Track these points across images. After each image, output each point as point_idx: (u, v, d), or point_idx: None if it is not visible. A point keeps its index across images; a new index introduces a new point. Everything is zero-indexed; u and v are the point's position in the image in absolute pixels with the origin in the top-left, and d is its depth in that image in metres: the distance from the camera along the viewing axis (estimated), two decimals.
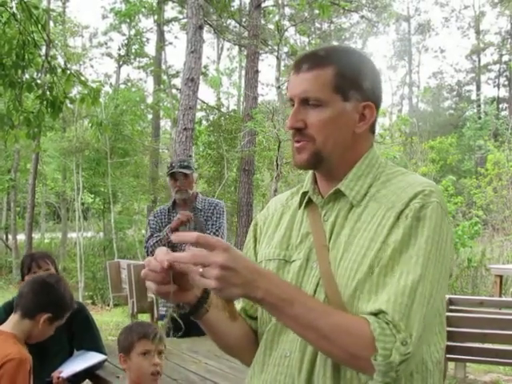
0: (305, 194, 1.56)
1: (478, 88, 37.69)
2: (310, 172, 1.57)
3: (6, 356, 2.46)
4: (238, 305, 1.70)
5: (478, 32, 37.42)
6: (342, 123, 1.45)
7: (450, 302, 5.12)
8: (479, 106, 34.32)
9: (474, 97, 37.60)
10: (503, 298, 9.48)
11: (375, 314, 1.28)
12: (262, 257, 1.58)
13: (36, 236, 23.74)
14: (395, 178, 1.47)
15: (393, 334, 1.25)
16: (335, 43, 31.48)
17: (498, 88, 37.80)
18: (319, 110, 1.45)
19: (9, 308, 3.25)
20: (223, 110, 22.22)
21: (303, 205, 1.56)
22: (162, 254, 1.33)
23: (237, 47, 25.97)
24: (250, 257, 1.68)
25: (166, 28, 26.15)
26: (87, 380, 3.64)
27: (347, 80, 1.45)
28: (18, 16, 5.80)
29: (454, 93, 39.60)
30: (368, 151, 1.52)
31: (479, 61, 37.90)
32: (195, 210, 4.84)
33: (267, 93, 31.43)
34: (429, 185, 1.41)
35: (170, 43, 34.30)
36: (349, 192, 1.46)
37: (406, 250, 1.33)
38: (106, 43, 26.73)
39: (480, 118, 29.63)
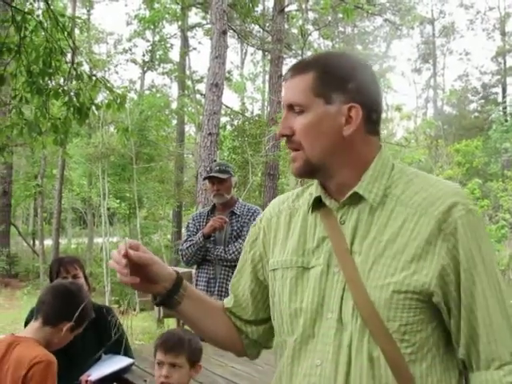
0: (316, 198, 1.52)
1: (504, 90, 37.19)
2: None
3: (34, 358, 2.47)
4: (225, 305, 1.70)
5: (503, 34, 36.92)
6: (325, 127, 1.43)
7: None
8: (505, 108, 33.86)
9: (499, 99, 37.13)
10: None
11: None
12: (279, 265, 1.55)
13: (63, 241, 23.97)
14: (417, 178, 1.45)
15: None
16: (359, 47, 31.39)
17: None
18: (303, 116, 1.44)
19: None
20: (247, 114, 22.29)
21: (314, 208, 1.53)
22: (123, 245, 1.42)
23: (260, 52, 26.02)
24: (246, 260, 1.68)
25: (189, 34, 26.27)
26: (115, 383, 3.66)
27: (329, 83, 1.43)
28: (45, 24, 5.88)
29: (480, 95, 39.14)
30: (379, 153, 1.49)
31: (505, 62, 37.39)
32: (233, 215, 4.74)
33: None
34: (459, 191, 1.40)
35: (194, 49, 34.44)
36: (368, 194, 1.43)
37: (478, 278, 1.34)
38: (130, 49, 26.84)
39: (506, 120, 29.18)
